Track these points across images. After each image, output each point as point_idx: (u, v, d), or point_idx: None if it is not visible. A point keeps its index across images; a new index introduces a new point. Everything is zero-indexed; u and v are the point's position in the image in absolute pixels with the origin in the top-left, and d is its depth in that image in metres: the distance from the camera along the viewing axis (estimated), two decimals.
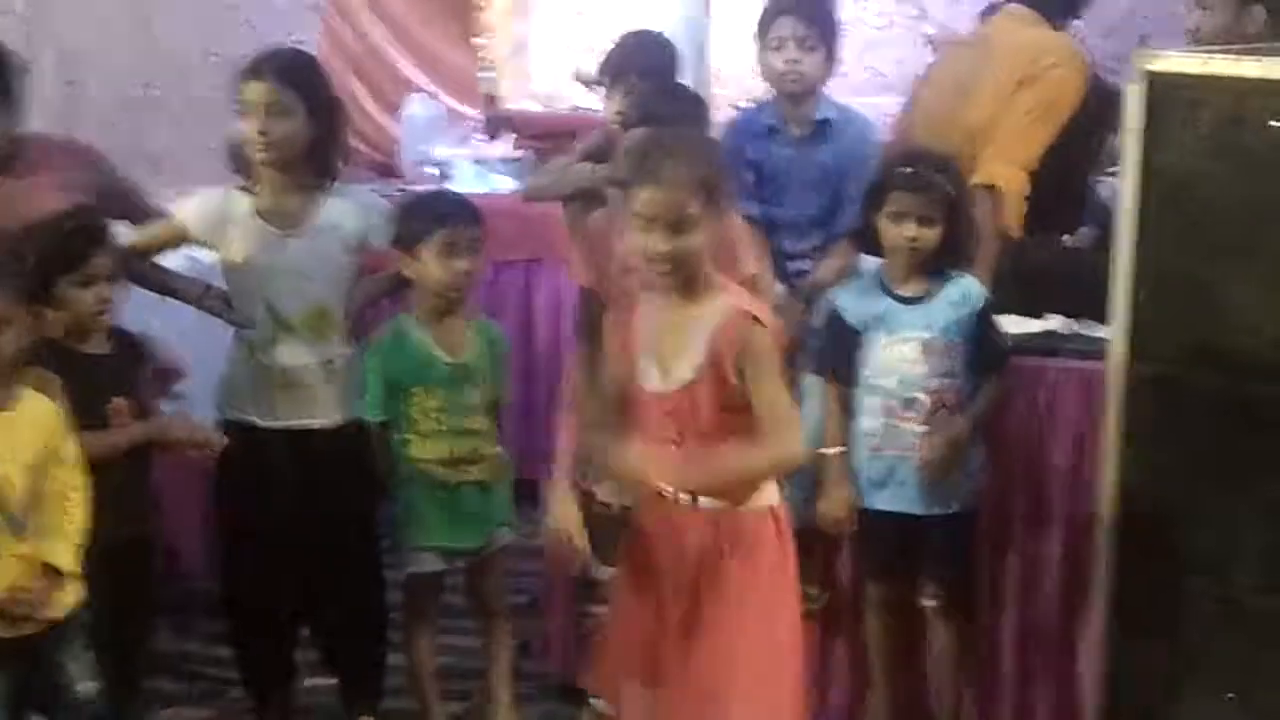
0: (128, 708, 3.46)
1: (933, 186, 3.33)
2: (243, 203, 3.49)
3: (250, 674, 3.68)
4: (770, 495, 2.85)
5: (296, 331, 3.47)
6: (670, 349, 2.80)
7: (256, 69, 3.41)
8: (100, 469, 3.18)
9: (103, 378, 3.30)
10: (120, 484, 3.24)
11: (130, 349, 3.41)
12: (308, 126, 3.42)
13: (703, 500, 2.80)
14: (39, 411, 3.09)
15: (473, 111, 5.83)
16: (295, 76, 3.43)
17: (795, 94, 3.76)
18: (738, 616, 2.80)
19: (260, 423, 3.47)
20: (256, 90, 3.39)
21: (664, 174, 2.71)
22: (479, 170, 5.31)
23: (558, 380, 3.88)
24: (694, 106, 3.53)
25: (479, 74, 5.85)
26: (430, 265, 3.44)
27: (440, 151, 5.47)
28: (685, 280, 2.76)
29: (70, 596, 3.08)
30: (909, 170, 3.35)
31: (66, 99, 5.01)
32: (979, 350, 3.36)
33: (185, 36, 6.32)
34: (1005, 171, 3.69)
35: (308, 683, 3.75)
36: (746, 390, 2.73)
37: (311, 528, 3.49)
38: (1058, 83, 3.85)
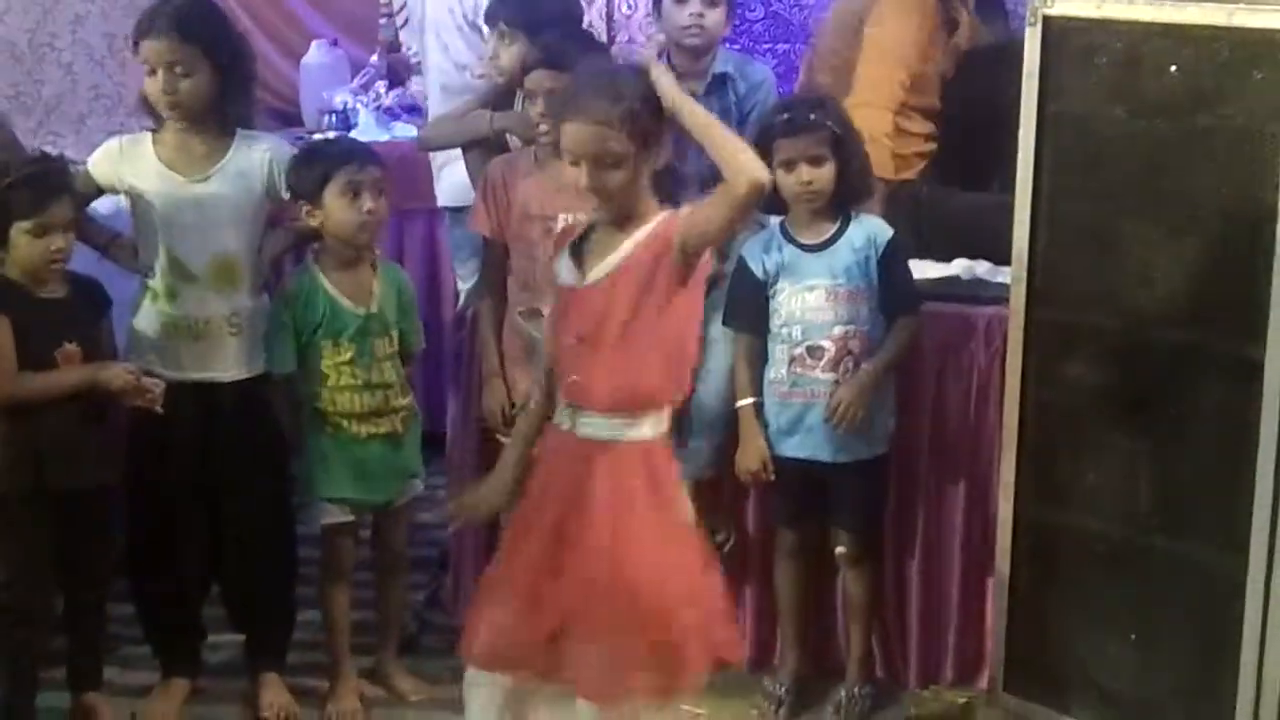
0: (85, 667, 3.46)
1: (813, 126, 3.33)
2: (147, 149, 3.41)
3: (157, 633, 3.64)
4: (646, 431, 2.81)
5: (202, 282, 3.40)
6: (594, 256, 2.79)
7: (153, 24, 3.31)
8: (44, 415, 3.18)
9: (56, 322, 3.26)
10: (66, 432, 3.22)
11: (87, 295, 3.36)
12: (213, 80, 3.35)
13: (582, 429, 2.78)
14: None
15: (373, 58, 5.74)
16: (195, 29, 3.32)
17: (695, 48, 3.74)
18: (615, 535, 2.77)
19: (166, 374, 3.40)
20: (155, 49, 3.31)
21: (588, 109, 2.71)
22: (380, 117, 5.25)
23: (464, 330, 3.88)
24: (599, 52, 3.51)
25: (380, 20, 5.76)
26: (335, 209, 3.38)
27: (341, 99, 5.39)
28: (620, 212, 2.77)
29: None
30: (786, 116, 3.36)
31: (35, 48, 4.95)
32: (887, 293, 3.38)
33: None
34: (861, 113, 3.70)
35: (212, 639, 3.71)
36: (676, 278, 2.71)
37: (219, 483, 3.45)
38: (892, 17, 3.91)
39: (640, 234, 2.74)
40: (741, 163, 2.63)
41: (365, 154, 3.49)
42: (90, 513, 3.32)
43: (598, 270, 2.77)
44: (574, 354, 2.80)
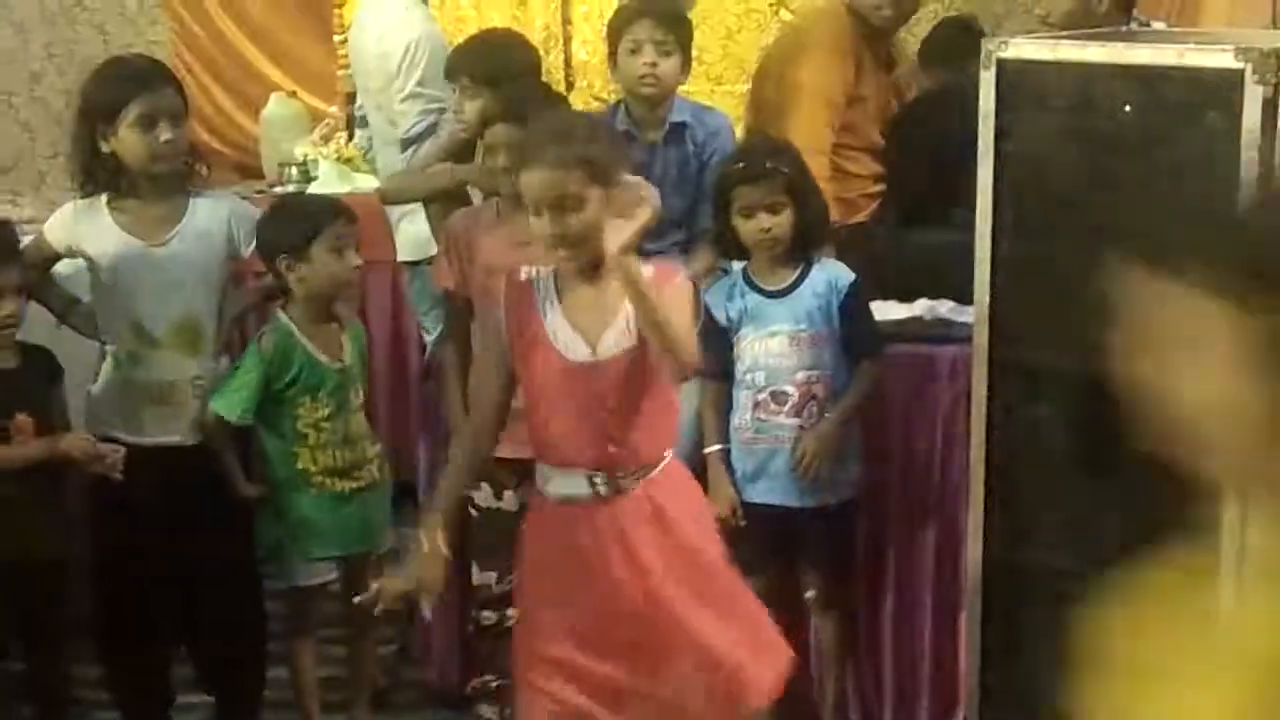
0: None
1: (770, 174, 3.35)
2: (103, 214, 3.39)
3: (125, 697, 3.60)
4: (668, 443, 2.88)
5: (164, 346, 3.39)
6: (592, 322, 2.78)
7: (157, 77, 3.39)
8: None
9: (8, 392, 3.25)
10: (22, 503, 3.21)
11: (39, 364, 3.36)
12: (186, 132, 3.40)
13: (626, 484, 2.80)
14: None
15: (333, 110, 5.74)
16: (177, 82, 3.44)
17: (651, 97, 3.76)
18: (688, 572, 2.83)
19: (128, 439, 3.38)
20: (166, 99, 3.33)
21: (545, 156, 2.71)
22: (341, 170, 5.25)
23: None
24: (556, 104, 3.51)
25: (339, 72, 5.77)
26: (323, 265, 3.37)
27: (301, 150, 5.39)
28: (588, 257, 2.76)
29: None
30: (742, 164, 3.38)
31: None
32: (849, 337, 3.38)
33: (32, 38, 6.20)
34: None
35: (181, 699, 3.68)
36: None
37: (185, 546, 3.41)
38: (808, 60, 3.95)
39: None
40: (685, 358, 2.71)
41: (346, 209, 3.50)
42: (44, 584, 3.28)
43: (607, 342, 2.77)
44: (601, 425, 2.77)
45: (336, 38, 5.77)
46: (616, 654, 2.79)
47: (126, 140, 3.31)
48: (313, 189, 5.16)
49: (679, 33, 3.75)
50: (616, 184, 2.77)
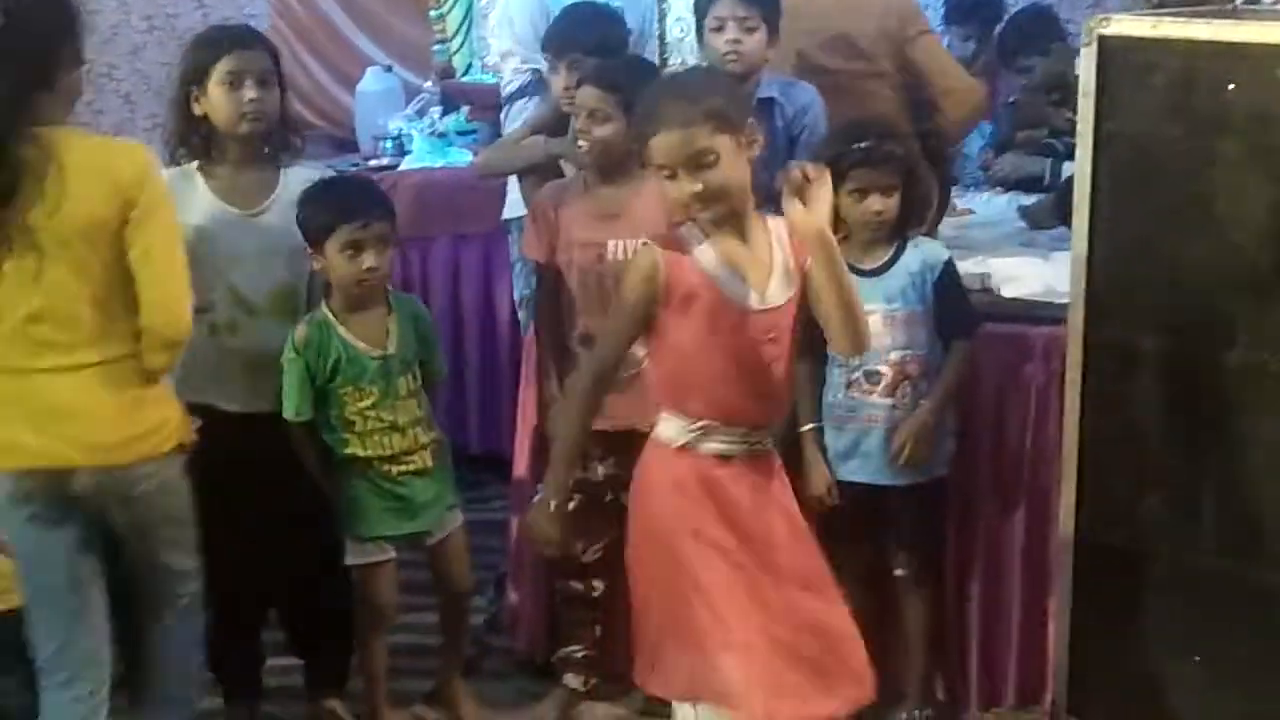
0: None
1: (892, 157, 3.34)
2: (199, 183, 3.41)
3: (219, 660, 3.66)
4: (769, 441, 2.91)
5: (262, 314, 3.42)
6: (756, 271, 2.76)
7: (243, 37, 3.41)
8: None
9: None
10: None
11: None
12: (280, 100, 3.41)
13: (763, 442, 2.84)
14: None
15: (428, 84, 5.78)
16: (271, 47, 3.45)
17: (736, 74, 3.75)
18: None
19: (223, 407, 3.41)
20: (249, 58, 3.34)
21: (670, 116, 2.69)
22: (435, 143, 5.28)
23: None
24: (651, 76, 3.51)
25: (433, 46, 5.80)
26: (335, 263, 3.33)
27: (396, 125, 5.43)
28: (732, 213, 2.73)
29: None
30: (866, 145, 3.34)
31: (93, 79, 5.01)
32: (943, 317, 3.37)
33: (133, 12, 6.28)
34: None
35: (271, 662, 3.73)
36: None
37: (278, 511, 3.44)
38: None
39: (786, 236, 2.75)
40: (861, 338, 2.75)
41: (371, 209, 3.37)
42: None
43: (774, 289, 2.76)
44: (764, 375, 2.78)
45: (432, 12, 5.81)
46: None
47: (214, 98, 3.32)
48: (406, 164, 5.20)
49: (763, 8, 3.73)
50: (745, 128, 2.73)
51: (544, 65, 4.04)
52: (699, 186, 2.68)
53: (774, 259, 2.77)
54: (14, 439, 2.92)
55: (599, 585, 3.55)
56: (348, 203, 3.37)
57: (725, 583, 2.75)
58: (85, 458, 2.93)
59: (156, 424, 3.02)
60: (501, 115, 4.23)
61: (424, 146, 5.24)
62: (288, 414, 3.36)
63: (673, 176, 2.70)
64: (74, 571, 3.00)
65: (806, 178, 2.62)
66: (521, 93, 4.11)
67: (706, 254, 2.76)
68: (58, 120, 2.90)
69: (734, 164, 2.69)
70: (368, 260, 3.32)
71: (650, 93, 2.87)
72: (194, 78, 3.35)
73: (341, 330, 3.37)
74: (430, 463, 3.47)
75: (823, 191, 2.63)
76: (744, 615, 2.74)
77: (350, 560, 3.45)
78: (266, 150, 3.45)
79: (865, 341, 2.77)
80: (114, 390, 2.93)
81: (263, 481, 3.40)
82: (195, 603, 3.19)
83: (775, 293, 2.77)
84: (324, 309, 3.40)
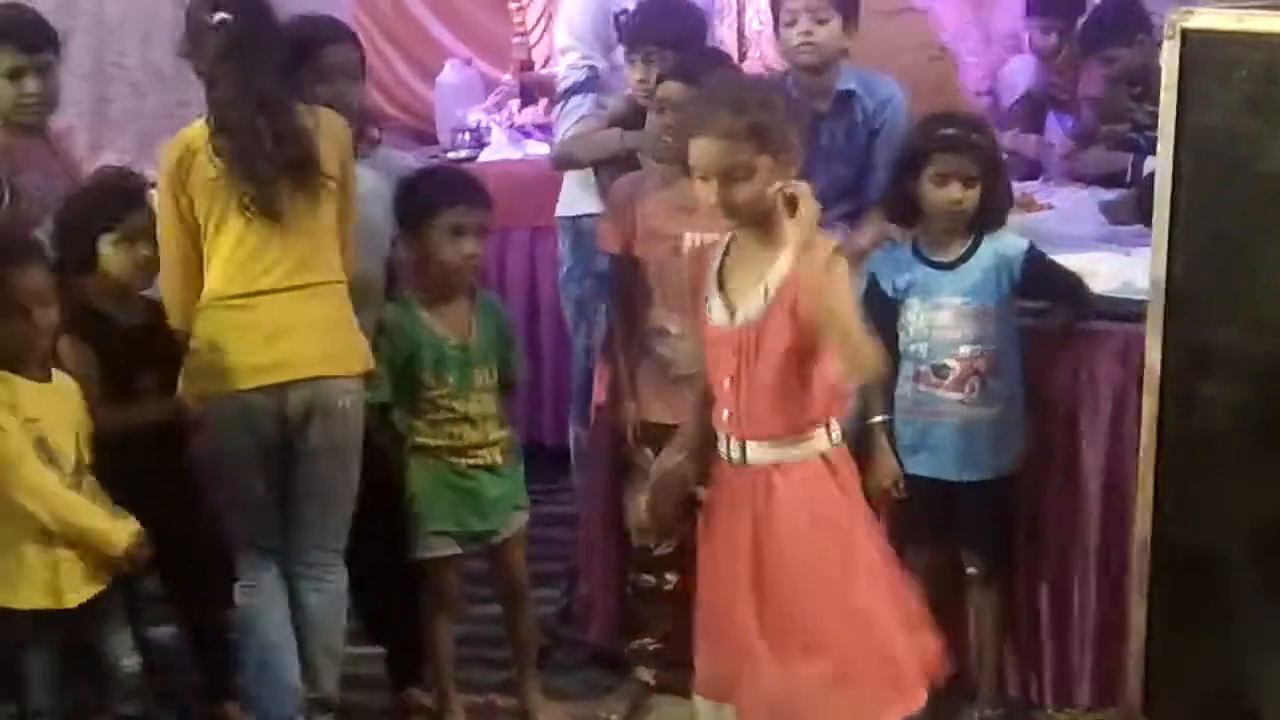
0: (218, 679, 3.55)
1: (974, 146, 3.33)
2: None
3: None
4: (821, 443, 2.81)
5: None
6: (739, 286, 2.78)
7: (338, 31, 3.51)
8: (127, 447, 3.21)
9: (136, 349, 3.31)
10: (151, 463, 3.25)
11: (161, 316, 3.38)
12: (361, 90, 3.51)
13: (752, 454, 2.79)
14: (70, 387, 3.14)
15: (507, 77, 5.79)
16: (358, 42, 3.56)
17: (811, 66, 3.72)
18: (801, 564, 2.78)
19: None
20: (340, 51, 3.44)
21: (715, 125, 2.70)
22: (513, 136, 5.29)
23: None
24: (728, 68, 3.51)
25: (514, 39, 5.82)
26: (436, 247, 3.36)
27: (475, 117, 5.45)
28: (756, 224, 2.75)
29: (108, 569, 3.12)
30: (950, 131, 3.34)
31: (102, 67, 5.03)
32: (1060, 298, 3.38)
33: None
34: None
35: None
36: (814, 326, 2.68)
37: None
38: None
39: (786, 261, 2.71)
40: (865, 360, 2.67)
41: (474, 194, 3.44)
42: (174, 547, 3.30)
43: (748, 308, 2.75)
44: (733, 391, 2.78)
45: (512, 4, 5.82)
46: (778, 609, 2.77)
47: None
48: (484, 156, 5.22)
49: None
50: (790, 149, 2.74)
51: (600, 62, 4.06)
52: (726, 199, 2.71)
53: (769, 275, 2.74)
54: (240, 361, 3.15)
55: (671, 579, 3.54)
56: (453, 188, 3.44)
57: None
58: (302, 370, 3.16)
59: (355, 344, 3.26)
60: (556, 110, 4.25)
61: (501, 139, 5.26)
62: (371, 397, 3.37)
63: (704, 179, 2.72)
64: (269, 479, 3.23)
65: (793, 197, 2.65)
66: (577, 89, 4.13)
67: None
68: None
69: (766, 183, 2.70)
70: (468, 246, 3.37)
71: (703, 93, 2.89)
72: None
73: (424, 316, 3.40)
74: (500, 460, 3.47)
75: (807, 209, 2.65)
76: None
77: (415, 553, 3.46)
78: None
79: (862, 370, 2.72)
80: (326, 308, 3.22)
81: None
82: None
83: (749, 310, 2.76)
84: (406, 294, 3.43)
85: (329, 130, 3.22)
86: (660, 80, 3.55)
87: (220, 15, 3.11)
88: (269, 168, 3.11)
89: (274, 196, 3.13)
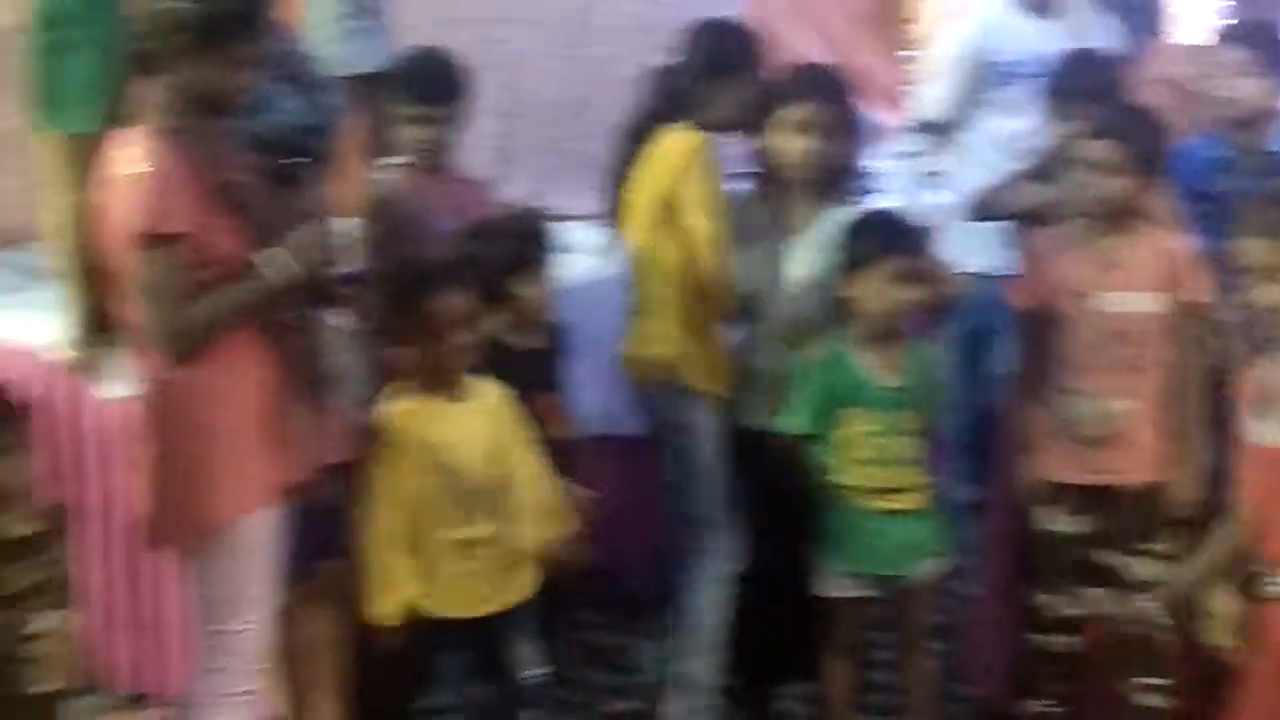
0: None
1: None
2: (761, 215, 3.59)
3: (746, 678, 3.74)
4: None
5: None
6: None
7: (810, 90, 3.55)
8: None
9: (532, 371, 3.43)
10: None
11: (558, 340, 3.53)
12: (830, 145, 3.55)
13: None
14: (493, 400, 3.26)
15: (897, 123, 5.78)
16: (836, 96, 3.60)
17: (1237, 121, 3.63)
18: None
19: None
20: (810, 110, 3.50)
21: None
22: (910, 184, 5.27)
23: None
24: (1160, 129, 3.45)
25: (905, 87, 5.81)
26: (874, 291, 3.39)
27: (873, 164, 5.44)
28: None
29: (528, 580, 3.25)
30: None
31: (511, 103, 5.22)
32: None
33: (620, 48, 6.48)
34: None
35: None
36: None
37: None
38: None
39: None
40: None
41: (917, 240, 3.47)
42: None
43: None
44: None
45: (902, 54, 5.83)
46: None
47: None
48: (881, 202, 5.21)
49: (1268, 55, 3.63)
50: None
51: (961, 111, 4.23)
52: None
53: None
54: None
55: (1075, 642, 3.47)
56: (894, 235, 3.44)
57: None
58: None
59: None
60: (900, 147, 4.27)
61: (900, 187, 5.24)
62: (788, 425, 3.44)
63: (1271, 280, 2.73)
64: None
65: None
66: (929, 129, 4.12)
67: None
68: None
69: None
70: (909, 293, 3.38)
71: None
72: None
73: (858, 354, 3.43)
74: (919, 505, 3.47)
75: None
76: None
77: (821, 590, 3.48)
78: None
79: None
80: None
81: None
82: None
83: None
84: (842, 332, 3.45)
85: None
86: (1084, 136, 3.50)
87: None
88: None
89: None
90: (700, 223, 3.50)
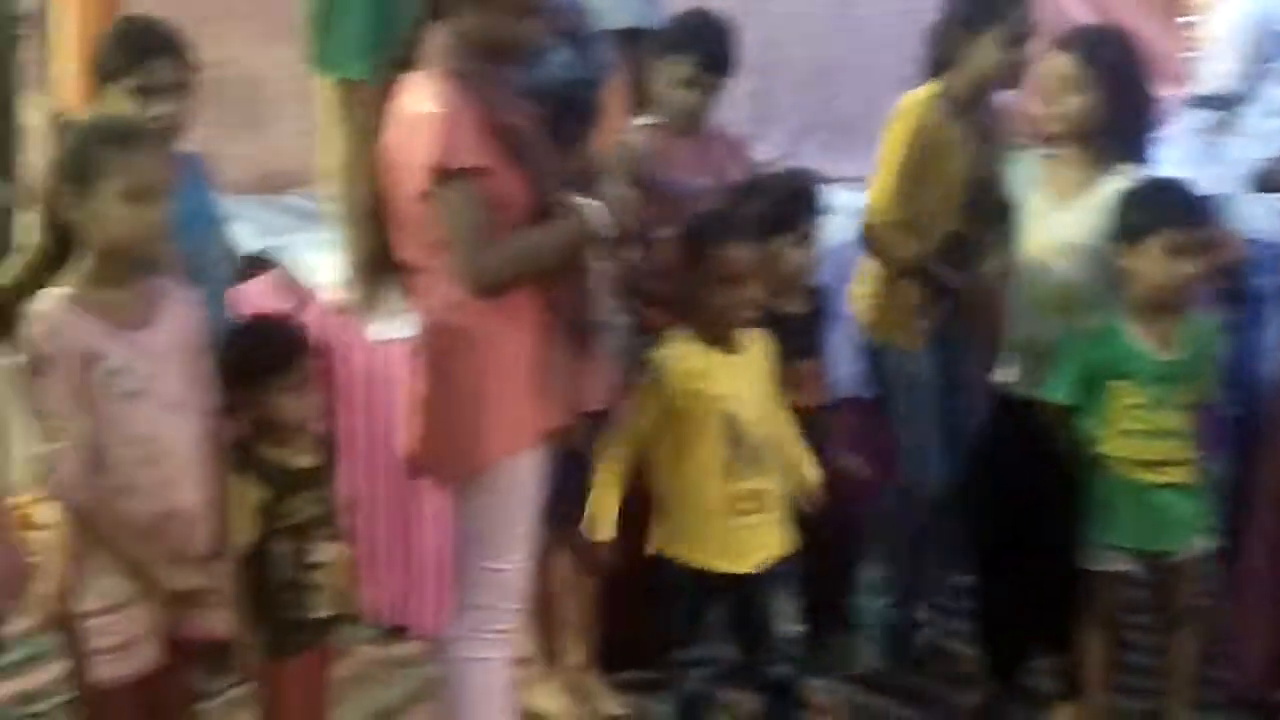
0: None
1: None
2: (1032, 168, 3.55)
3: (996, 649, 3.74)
4: None
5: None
6: None
7: (1066, 43, 3.47)
8: None
9: (795, 336, 3.43)
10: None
11: (819, 305, 3.53)
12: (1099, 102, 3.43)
13: None
14: (764, 354, 3.28)
15: (1177, 95, 5.60)
16: (1100, 52, 3.45)
17: None
18: None
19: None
20: (1062, 63, 3.42)
21: None
22: (1193, 152, 5.10)
23: None
24: None
25: (1184, 55, 5.62)
26: (1150, 265, 3.29)
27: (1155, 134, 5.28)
28: None
29: (789, 538, 3.26)
30: None
31: (766, 63, 5.21)
32: None
33: (881, 9, 6.43)
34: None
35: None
36: None
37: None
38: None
39: None
40: None
41: (1197, 213, 3.35)
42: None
43: None
44: None
45: (1181, 20, 5.64)
46: None
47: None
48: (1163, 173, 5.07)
49: None
50: None
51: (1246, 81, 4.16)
52: None
53: None
54: None
55: None
56: (1172, 207, 3.34)
57: None
58: None
59: None
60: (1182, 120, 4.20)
61: (1180, 156, 5.08)
62: (1054, 395, 3.38)
63: None
64: None
65: None
66: (1214, 103, 3.97)
67: None
68: None
69: None
70: (1187, 266, 3.29)
71: None
72: None
73: (1129, 326, 3.35)
74: (1188, 480, 3.38)
75: None
76: None
77: (1088, 564, 3.42)
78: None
79: None
80: None
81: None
82: None
83: None
84: (1116, 304, 3.38)
85: None
86: None
87: None
88: None
89: None
90: (880, 179, 3.61)
